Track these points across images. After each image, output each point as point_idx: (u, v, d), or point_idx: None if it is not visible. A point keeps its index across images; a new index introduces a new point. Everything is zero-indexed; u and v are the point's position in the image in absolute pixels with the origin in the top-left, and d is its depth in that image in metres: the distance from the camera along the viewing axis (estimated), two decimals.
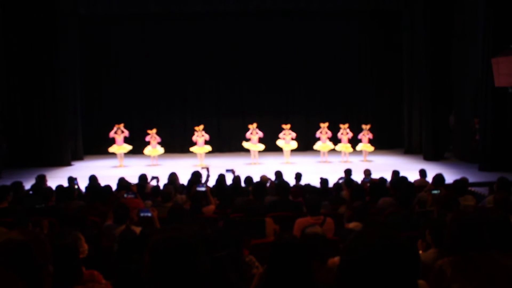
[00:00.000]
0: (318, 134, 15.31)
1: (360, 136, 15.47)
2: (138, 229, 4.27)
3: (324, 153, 15.33)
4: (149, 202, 6.85)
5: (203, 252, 1.76)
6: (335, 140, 15.39)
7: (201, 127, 15.04)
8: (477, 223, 2.86)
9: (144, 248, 3.45)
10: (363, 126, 15.55)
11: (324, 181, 8.63)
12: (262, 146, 15.17)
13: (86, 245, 3.70)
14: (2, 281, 1.31)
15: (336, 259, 3.37)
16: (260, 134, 15.05)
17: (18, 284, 1.36)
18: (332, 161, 15.20)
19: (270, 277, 2.65)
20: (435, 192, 6.43)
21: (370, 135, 15.43)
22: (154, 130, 15.03)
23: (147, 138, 14.95)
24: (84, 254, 3.63)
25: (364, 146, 15.35)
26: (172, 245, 1.72)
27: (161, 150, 15.05)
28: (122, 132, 14.73)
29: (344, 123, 15.62)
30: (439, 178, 7.54)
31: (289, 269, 2.60)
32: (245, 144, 15.30)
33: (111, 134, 14.72)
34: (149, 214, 5.13)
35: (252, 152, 15.22)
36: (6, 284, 1.33)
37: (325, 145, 15.19)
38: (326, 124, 15.36)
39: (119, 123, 14.93)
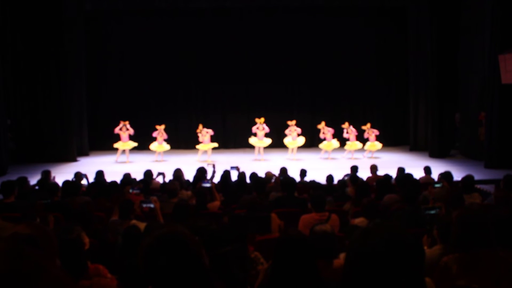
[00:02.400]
0: (321, 135, 15.24)
1: (365, 135, 15.35)
2: (142, 225, 4.28)
3: (328, 151, 15.26)
4: (154, 198, 6.85)
5: (199, 250, 1.73)
6: (340, 138, 15.32)
7: (200, 126, 15.00)
8: (483, 221, 2.85)
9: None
10: (363, 127, 15.33)
11: (329, 178, 8.62)
12: (268, 141, 15.11)
13: (87, 238, 3.73)
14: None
15: (342, 258, 3.36)
16: (267, 129, 15.00)
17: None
18: (337, 157, 15.15)
19: (275, 273, 2.64)
20: (437, 185, 6.40)
21: (376, 132, 15.28)
22: (163, 126, 15.06)
23: (155, 134, 14.98)
24: (86, 246, 3.66)
25: (371, 145, 15.23)
26: (163, 243, 1.69)
27: (167, 146, 15.08)
28: (127, 129, 14.77)
29: (343, 123, 15.50)
30: (446, 175, 7.52)
31: (294, 265, 2.60)
32: (251, 141, 15.26)
33: (116, 130, 14.77)
34: (152, 205, 5.13)
35: (256, 148, 15.17)
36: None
37: (329, 143, 15.09)
38: (323, 124, 15.27)
39: (124, 119, 14.98)
